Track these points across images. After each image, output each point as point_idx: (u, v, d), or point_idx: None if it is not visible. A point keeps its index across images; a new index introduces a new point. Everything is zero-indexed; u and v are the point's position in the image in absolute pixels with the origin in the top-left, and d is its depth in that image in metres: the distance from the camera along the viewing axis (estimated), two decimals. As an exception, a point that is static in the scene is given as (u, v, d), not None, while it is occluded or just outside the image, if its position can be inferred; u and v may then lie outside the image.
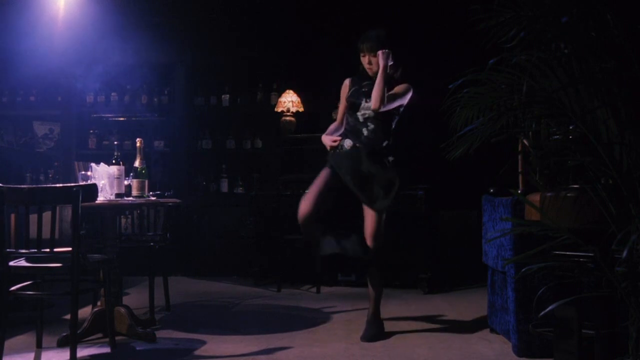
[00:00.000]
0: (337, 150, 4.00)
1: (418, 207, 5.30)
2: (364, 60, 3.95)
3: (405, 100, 3.91)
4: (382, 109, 3.82)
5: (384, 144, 3.93)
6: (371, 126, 3.95)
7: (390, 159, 3.93)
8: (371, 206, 3.82)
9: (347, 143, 3.97)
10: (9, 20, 5.92)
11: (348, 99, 4.04)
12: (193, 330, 4.00)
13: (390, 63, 3.89)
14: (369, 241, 3.79)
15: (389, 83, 3.89)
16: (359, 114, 3.96)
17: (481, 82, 2.48)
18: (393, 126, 4.00)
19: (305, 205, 3.84)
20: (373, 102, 3.82)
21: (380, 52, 3.85)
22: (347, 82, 4.16)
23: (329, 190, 3.88)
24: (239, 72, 6.67)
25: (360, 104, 3.99)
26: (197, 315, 4.52)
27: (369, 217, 3.82)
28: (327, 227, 3.86)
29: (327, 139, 4.07)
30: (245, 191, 6.46)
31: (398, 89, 3.90)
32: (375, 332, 3.79)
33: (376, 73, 3.88)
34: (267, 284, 5.67)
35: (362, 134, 3.94)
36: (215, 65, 6.64)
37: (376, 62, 3.89)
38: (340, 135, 4.09)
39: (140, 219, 5.06)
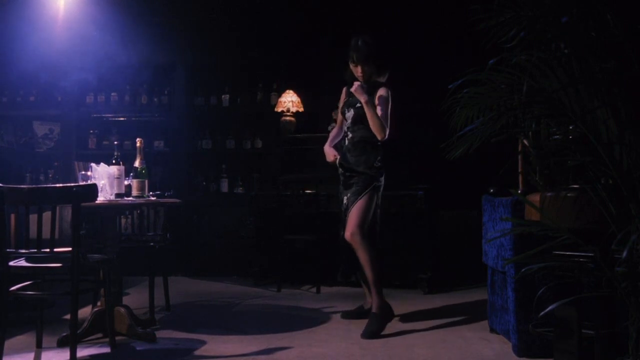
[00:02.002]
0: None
1: (418, 207, 5.30)
2: (356, 70, 4.05)
3: (390, 102, 4.01)
4: (388, 131, 3.95)
5: (363, 155, 4.03)
6: (350, 135, 4.12)
7: (365, 169, 4.02)
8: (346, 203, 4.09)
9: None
10: (8, 20, 5.92)
11: (341, 110, 4.23)
12: (193, 330, 4.00)
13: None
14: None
15: (373, 87, 4.03)
16: (344, 125, 4.18)
17: (481, 82, 2.48)
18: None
19: None
20: (377, 134, 3.96)
21: (353, 90, 3.98)
22: (344, 90, 4.32)
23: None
24: (239, 72, 6.67)
25: (345, 113, 4.17)
26: (197, 315, 4.52)
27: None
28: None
29: (329, 153, 4.23)
30: (245, 191, 6.46)
31: (381, 101, 3.98)
32: (375, 328, 3.81)
33: (365, 79, 4.03)
34: (267, 284, 5.67)
35: (344, 144, 4.16)
36: (215, 65, 6.64)
37: (364, 71, 4.02)
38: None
39: (140, 219, 5.06)
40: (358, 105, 4.02)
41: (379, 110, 3.95)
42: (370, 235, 4.01)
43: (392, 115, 4.02)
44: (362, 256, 3.94)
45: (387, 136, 3.96)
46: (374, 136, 3.99)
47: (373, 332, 3.78)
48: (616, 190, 2.36)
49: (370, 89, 4.01)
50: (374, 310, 3.92)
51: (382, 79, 4.11)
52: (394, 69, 4.18)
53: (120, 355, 3.48)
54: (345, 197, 4.13)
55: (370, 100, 3.94)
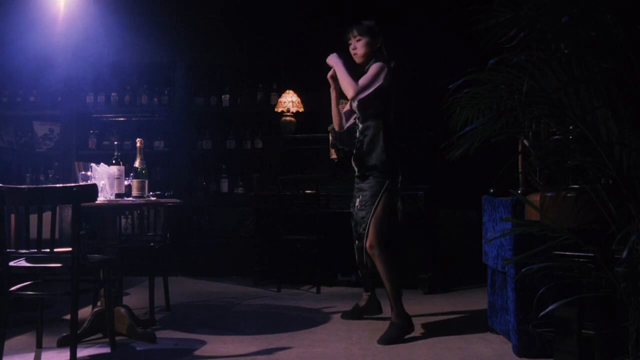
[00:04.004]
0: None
1: (418, 207, 5.30)
2: (350, 47, 3.98)
3: (381, 79, 3.82)
4: (362, 95, 3.81)
5: (373, 149, 3.88)
6: (360, 126, 4.00)
7: (376, 163, 3.87)
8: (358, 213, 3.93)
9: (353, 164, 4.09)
10: (9, 20, 5.92)
11: (350, 103, 4.12)
12: (193, 330, 4.00)
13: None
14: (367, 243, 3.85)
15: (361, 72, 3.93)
16: (356, 117, 4.08)
17: (481, 82, 2.48)
18: (389, 120, 3.93)
19: None
20: (347, 92, 3.83)
21: (328, 59, 3.94)
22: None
23: None
24: (239, 72, 6.68)
25: (352, 105, 4.08)
26: (197, 315, 4.52)
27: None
28: None
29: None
30: (245, 191, 6.46)
31: (370, 70, 3.85)
32: (394, 335, 3.70)
33: (362, 59, 3.94)
34: (267, 284, 5.67)
35: (356, 136, 4.02)
36: (215, 65, 6.65)
37: (360, 46, 3.93)
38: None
39: (140, 219, 5.06)
40: (353, 120, 4.03)
41: (369, 72, 3.83)
42: (392, 245, 3.86)
43: (392, 115, 3.98)
44: (380, 267, 3.79)
45: (356, 97, 3.81)
46: (386, 128, 3.86)
47: (391, 339, 3.66)
48: (616, 190, 2.36)
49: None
50: (393, 319, 3.78)
51: (391, 66, 3.95)
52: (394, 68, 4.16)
53: (120, 355, 3.48)
54: (357, 200, 3.95)
55: (346, 68, 3.86)
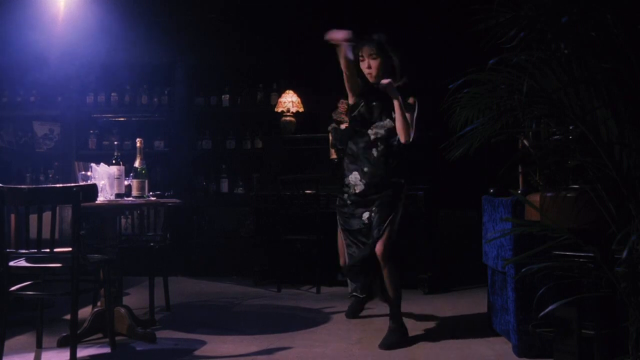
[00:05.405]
0: (344, 191, 3.92)
1: (418, 207, 5.30)
2: (363, 65, 3.82)
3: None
4: (411, 137, 3.76)
5: (387, 169, 3.78)
6: (381, 147, 3.80)
7: (393, 180, 3.79)
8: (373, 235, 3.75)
9: (353, 179, 3.84)
10: (9, 20, 5.92)
11: (351, 116, 3.94)
12: (193, 330, 4.00)
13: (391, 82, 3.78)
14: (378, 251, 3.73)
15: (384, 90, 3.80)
16: (364, 138, 3.82)
17: (481, 82, 2.48)
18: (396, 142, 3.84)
19: (342, 258, 4.04)
20: (402, 136, 3.73)
21: (385, 83, 3.73)
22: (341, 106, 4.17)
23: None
24: (239, 72, 6.67)
25: (373, 121, 3.84)
26: (197, 315, 4.52)
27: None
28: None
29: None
30: (245, 191, 6.47)
31: (411, 106, 3.82)
32: (396, 339, 3.63)
33: (376, 78, 3.79)
34: (267, 284, 5.67)
35: (368, 161, 3.81)
36: (215, 65, 6.65)
37: (375, 67, 3.79)
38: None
39: (140, 219, 5.06)
40: (372, 135, 3.80)
41: (408, 115, 3.76)
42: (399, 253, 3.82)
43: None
44: (389, 271, 3.70)
45: (409, 141, 3.75)
46: (398, 146, 3.80)
47: (393, 343, 3.59)
48: (616, 190, 2.36)
49: (382, 93, 3.78)
50: (392, 326, 3.69)
51: (401, 83, 3.86)
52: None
53: (120, 355, 3.48)
54: (366, 214, 3.78)
55: (403, 109, 3.74)
